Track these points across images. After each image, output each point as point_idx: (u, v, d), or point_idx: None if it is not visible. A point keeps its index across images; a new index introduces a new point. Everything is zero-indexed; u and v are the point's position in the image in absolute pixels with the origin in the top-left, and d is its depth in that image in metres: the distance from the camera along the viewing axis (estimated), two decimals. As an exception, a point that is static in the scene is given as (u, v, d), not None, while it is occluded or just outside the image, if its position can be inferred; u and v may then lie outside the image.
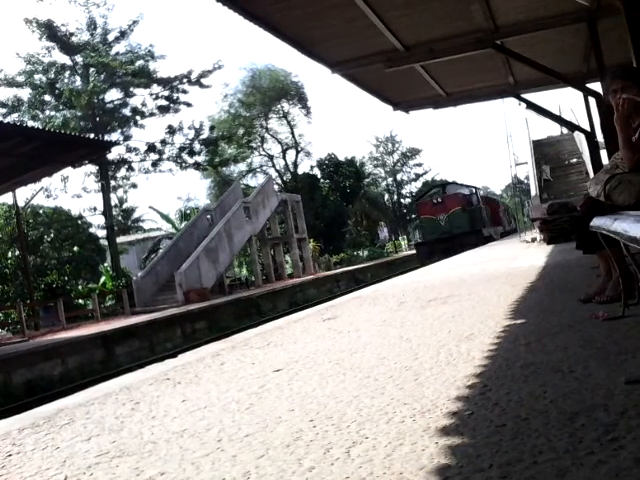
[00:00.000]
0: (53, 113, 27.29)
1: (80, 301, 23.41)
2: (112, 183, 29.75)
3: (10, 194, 17.15)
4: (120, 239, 33.13)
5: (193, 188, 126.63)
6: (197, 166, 30.02)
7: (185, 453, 2.05)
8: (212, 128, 31.78)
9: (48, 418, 2.95)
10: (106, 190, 27.77)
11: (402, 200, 60.45)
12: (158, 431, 2.40)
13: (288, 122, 42.86)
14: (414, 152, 61.04)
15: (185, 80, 29.02)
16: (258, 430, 2.17)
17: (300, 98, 42.53)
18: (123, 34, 28.63)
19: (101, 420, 2.74)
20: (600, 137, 9.81)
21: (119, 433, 2.46)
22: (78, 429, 2.62)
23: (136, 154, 28.51)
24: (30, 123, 24.82)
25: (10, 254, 23.28)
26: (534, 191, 17.23)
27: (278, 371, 3.25)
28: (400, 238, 52.33)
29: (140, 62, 28.30)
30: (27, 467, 2.18)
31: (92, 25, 27.97)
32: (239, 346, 4.64)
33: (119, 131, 28.43)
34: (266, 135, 43.19)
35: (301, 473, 1.68)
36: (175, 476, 1.85)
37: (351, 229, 44.04)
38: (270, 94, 40.66)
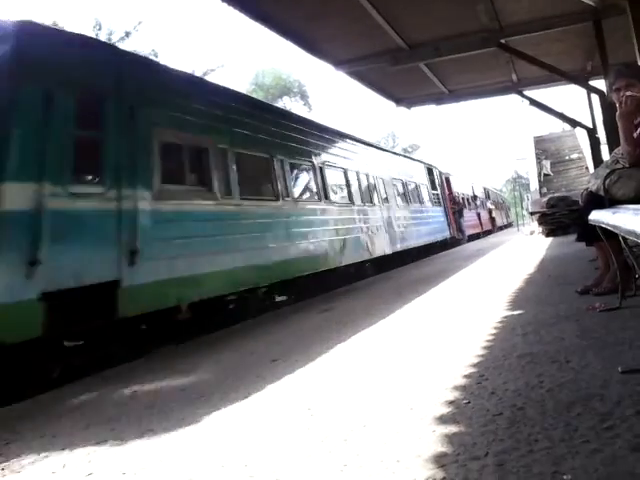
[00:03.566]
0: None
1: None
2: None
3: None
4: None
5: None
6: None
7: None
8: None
9: (46, 407, 2.95)
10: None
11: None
12: (156, 419, 2.41)
13: (290, 118, 42.83)
14: (414, 148, 60.97)
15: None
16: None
17: (302, 95, 42.59)
18: (128, 34, 28.53)
19: (99, 409, 2.75)
20: (602, 134, 9.76)
21: (118, 421, 2.47)
22: (76, 418, 2.63)
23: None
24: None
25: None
26: (534, 185, 17.18)
27: (275, 361, 3.26)
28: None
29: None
30: (25, 454, 2.19)
31: (97, 25, 27.84)
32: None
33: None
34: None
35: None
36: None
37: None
38: (273, 92, 40.70)
